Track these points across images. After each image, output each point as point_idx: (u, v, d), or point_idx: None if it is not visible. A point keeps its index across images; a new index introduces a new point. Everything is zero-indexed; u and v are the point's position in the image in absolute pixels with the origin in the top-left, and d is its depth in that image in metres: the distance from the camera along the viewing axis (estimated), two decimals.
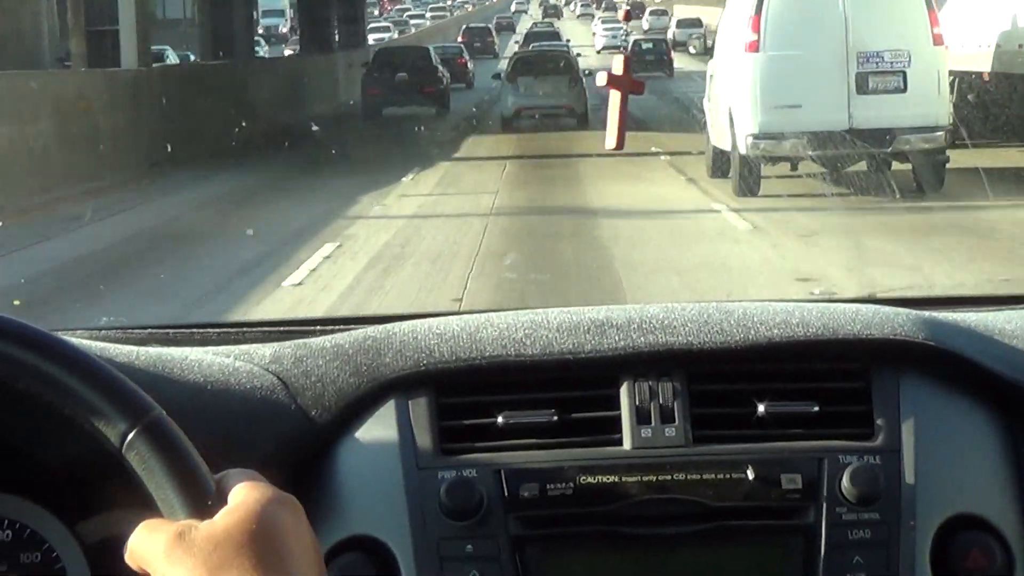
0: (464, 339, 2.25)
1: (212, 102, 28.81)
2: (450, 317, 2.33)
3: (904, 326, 2.27)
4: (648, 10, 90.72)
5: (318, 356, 2.26)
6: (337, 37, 51.35)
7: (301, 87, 39.94)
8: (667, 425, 2.20)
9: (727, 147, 20.05)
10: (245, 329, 2.68)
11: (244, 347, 2.33)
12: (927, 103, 18.45)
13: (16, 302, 10.69)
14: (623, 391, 2.22)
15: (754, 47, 18.64)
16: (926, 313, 2.37)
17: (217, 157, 26.01)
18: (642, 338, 2.24)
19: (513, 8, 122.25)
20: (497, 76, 36.33)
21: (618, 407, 2.22)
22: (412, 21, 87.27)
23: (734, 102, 19.10)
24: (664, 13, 72.52)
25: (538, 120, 32.80)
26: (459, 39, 66.45)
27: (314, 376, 2.23)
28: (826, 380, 2.26)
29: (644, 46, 51.94)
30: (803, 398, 2.22)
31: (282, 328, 2.62)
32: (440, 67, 41.70)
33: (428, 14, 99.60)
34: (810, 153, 18.54)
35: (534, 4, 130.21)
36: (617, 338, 2.24)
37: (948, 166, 18.57)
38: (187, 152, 25.32)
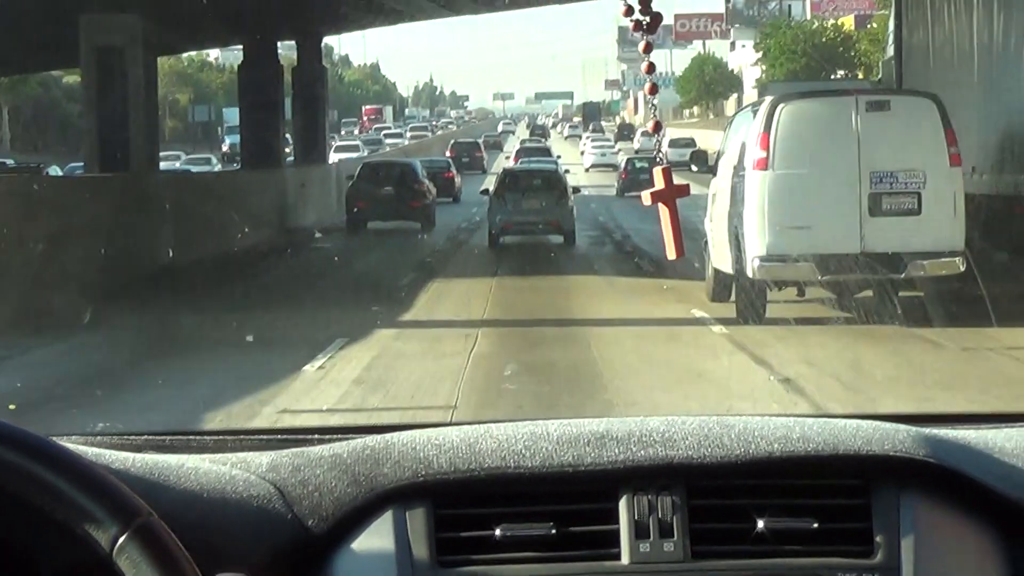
0: (463, 450, 2.26)
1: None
2: (449, 428, 2.35)
3: (904, 443, 2.29)
4: (639, 131, 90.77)
5: (316, 465, 2.28)
6: (293, 153, 49.90)
7: (227, 209, 33.76)
8: (666, 540, 2.20)
9: (729, 269, 19.15)
10: (242, 437, 2.65)
11: (241, 455, 2.34)
12: (942, 227, 17.59)
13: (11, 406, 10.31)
14: (622, 505, 2.23)
15: (763, 165, 17.80)
16: (926, 430, 2.39)
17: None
18: (642, 451, 2.25)
19: (500, 128, 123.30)
20: (485, 192, 36.05)
21: (617, 521, 2.23)
22: (388, 140, 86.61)
23: (740, 222, 18.23)
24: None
25: (525, 237, 32.55)
26: (447, 153, 66.44)
27: (311, 485, 2.24)
28: (826, 496, 2.27)
29: (638, 164, 51.41)
30: (803, 514, 2.24)
31: (280, 436, 2.62)
32: (426, 181, 41.29)
33: (408, 133, 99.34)
34: (820, 278, 17.64)
35: (521, 125, 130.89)
36: (617, 451, 2.25)
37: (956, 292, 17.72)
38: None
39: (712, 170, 20.76)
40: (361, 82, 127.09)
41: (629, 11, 2.47)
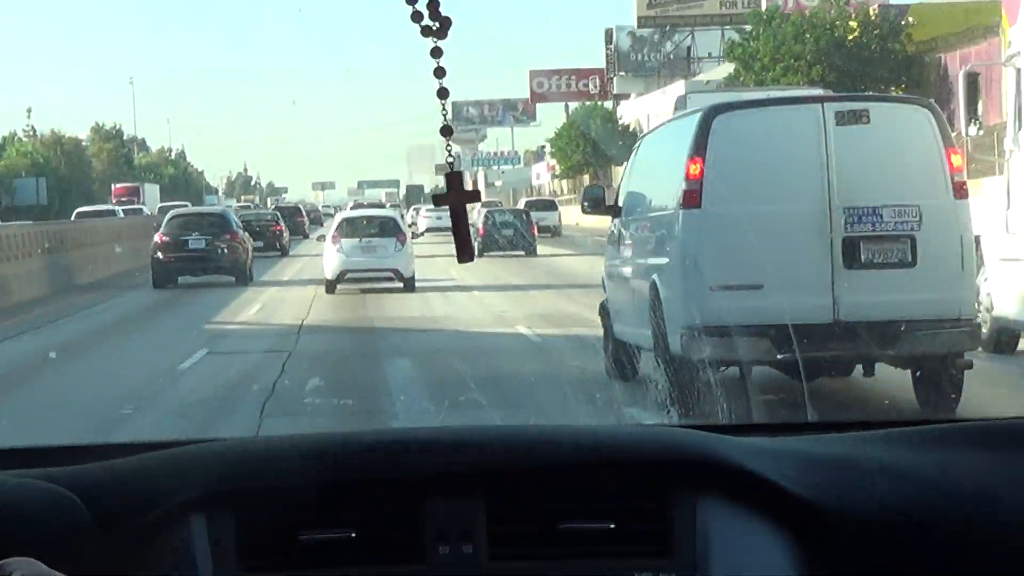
0: (266, 460, 2.36)
1: None
2: (255, 439, 2.60)
3: (697, 445, 2.41)
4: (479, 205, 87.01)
5: (119, 477, 2.33)
6: None
7: None
8: (465, 544, 2.29)
9: (640, 342, 14.04)
10: (45, 452, 2.62)
11: (45, 469, 2.37)
12: (946, 283, 12.63)
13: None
14: (422, 509, 2.31)
15: (692, 200, 12.69)
16: (725, 436, 2.49)
17: None
18: (443, 459, 2.34)
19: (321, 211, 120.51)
20: (322, 237, 34.92)
21: (418, 525, 2.31)
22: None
23: (661, 280, 13.13)
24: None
25: (362, 284, 31.99)
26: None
27: (116, 496, 2.29)
28: (623, 499, 2.36)
29: (499, 218, 45.98)
30: (600, 517, 2.33)
31: (84, 451, 2.58)
32: (241, 232, 38.14)
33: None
34: (777, 356, 12.56)
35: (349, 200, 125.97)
36: (420, 458, 2.34)
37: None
38: None
39: (610, 210, 15.67)
40: (155, 166, 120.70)
41: (418, 16, 2.44)
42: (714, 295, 12.55)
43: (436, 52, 2.52)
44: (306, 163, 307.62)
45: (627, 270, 14.58)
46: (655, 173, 14.07)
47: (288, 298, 31.89)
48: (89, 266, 38.73)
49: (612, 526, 2.29)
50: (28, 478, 2.32)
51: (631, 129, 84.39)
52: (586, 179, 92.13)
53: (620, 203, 15.24)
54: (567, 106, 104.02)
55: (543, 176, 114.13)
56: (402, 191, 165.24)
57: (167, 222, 37.73)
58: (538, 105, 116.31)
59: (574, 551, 2.28)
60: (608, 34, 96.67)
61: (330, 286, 31.97)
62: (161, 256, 36.15)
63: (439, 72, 2.58)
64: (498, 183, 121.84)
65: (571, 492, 2.33)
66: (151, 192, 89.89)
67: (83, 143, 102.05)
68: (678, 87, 74.28)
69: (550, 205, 63.65)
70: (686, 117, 13.78)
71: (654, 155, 14.43)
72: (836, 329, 12.53)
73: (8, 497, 2.23)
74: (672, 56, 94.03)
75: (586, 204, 15.68)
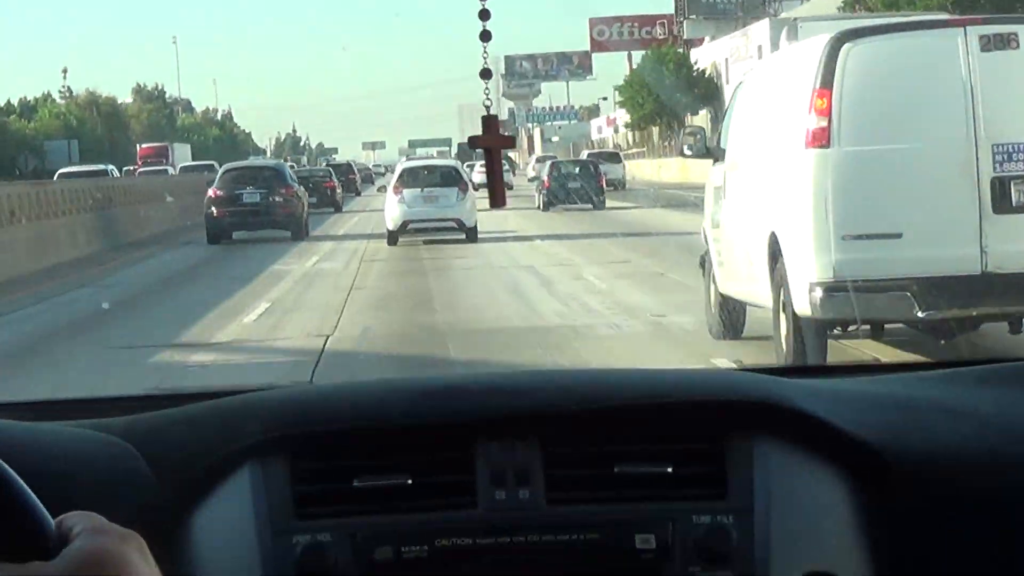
0: (320, 406, 2.37)
1: None
2: (306, 386, 2.61)
3: (755, 388, 2.40)
4: (533, 157, 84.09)
5: (172, 425, 2.33)
6: None
7: None
8: (522, 488, 2.26)
9: (755, 299, 12.68)
10: (99, 403, 2.68)
11: (97, 420, 2.37)
12: None
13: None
14: (478, 454, 2.27)
15: (821, 139, 11.26)
16: (778, 377, 2.53)
17: None
18: (497, 402, 2.33)
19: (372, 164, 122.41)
20: (383, 188, 35.45)
21: (473, 470, 2.27)
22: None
23: (782, 229, 11.72)
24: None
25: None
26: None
27: (168, 444, 2.28)
28: (680, 442, 2.32)
29: (565, 169, 44.21)
30: (657, 460, 2.29)
31: (136, 403, 2.60)
32: (296, 186, 37.10)
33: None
34: (919, 314, 11.16)
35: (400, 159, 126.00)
36: (472, 402, 2.33)
37: None
38: None
39: (711, 154, 14.25)
40: (199, 127, 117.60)
41: None
42: (846, 245, 11.14)
43: None
44: (356, 123, 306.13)
45: (736, 219, 13.16)
46: (768, 111, 12.63)
47: (348, 250, 31.17)
48: (132, 225, 37.88)
49: (669, 469, 2.29)
50: (83, 427, 2.33)
51: (707, 75, 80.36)
52: (655, 131, 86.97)
53: (724, 146, 13.84)
54: (630, 55, 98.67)
55: (605, 130, 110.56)
56: (454, 149, 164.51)
57: (220, 176, 36.93)
58: (595, 57, 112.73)
59: (631, 494, 2.28)
60: None
61: (392, 237, 31.48)
62: (215, 211, 35.25)
63: (483, 14, 2.61)
64: (555, 139, 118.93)
65: (628, 435, 2.33)
66: (182, 152, 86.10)
67: (120, 103, 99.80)
68: (761, 27, 69.78)
69: (614, 157, 61.89)
70: (804, 47, 12.32)
71: (765, 91, 12.97)
72: (984, 281, 11.10)
73: (64, 447, 2.25)
74: None
75: (685, 148, 14.24)
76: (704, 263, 14.35)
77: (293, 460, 2.26)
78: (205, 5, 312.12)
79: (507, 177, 70.08)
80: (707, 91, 77.89)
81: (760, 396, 2.36)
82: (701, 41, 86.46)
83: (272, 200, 35.01)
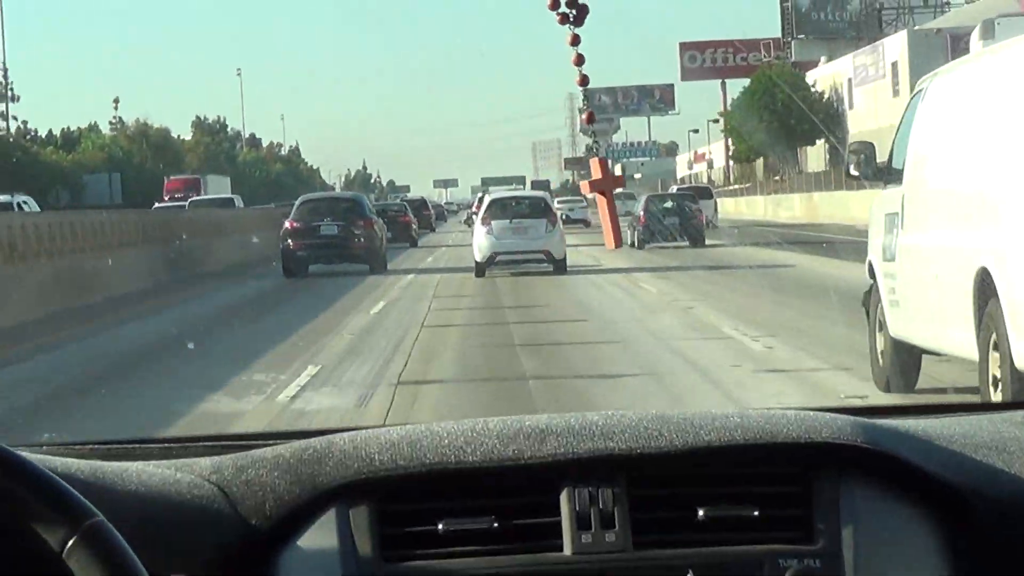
0: (404, 447, 2.30)
1: None
2: (390, 428, 2.40)
3: (843, 430, 2.32)
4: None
5: (259, 466, 2.31)
6: None
7: None
8: (607, 530, 2.24)
9: (942, 346, 10.57)
10: (185, 444, 2.65)
11: (184, 460, 2.39)
12: None
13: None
14: (563, 497, 2.26)
15: None
16: (865, 419, 2.43)
17: None
18: (582, 444, 2.28)
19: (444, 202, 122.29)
20: (469, 221, 35.76)
21: (558, 513, 2.26)
22: None
23: (998, 265, 9.52)
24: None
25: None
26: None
27: (255, 485, 2.28)
28: (767, 484, 2.30)
29: (661, 204, 42.02)
30: (744, 502, 2.27)
31: (222, 442, 2.61)
32: (375, 218, 36.32)
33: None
34: None
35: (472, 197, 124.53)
36: (557, 444, 2.28)
37: None
38: None
39: (880, 175, 12.14)
40: (262, 161, 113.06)
41: (555, 4, 1.95)
42: None
43: (575, 40, 1.69)
44: (427, 160, 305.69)
45: (923, 251, 11.02)
46: (971, 124, 10.48)
47: (427, 283, 29.77)
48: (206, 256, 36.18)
49: (756, 512, 2.25)
50: (171, 469, 2.31)
51: (825, 98, 74.66)
52: (759, 164, 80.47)
53: (900, 165, 11.72)
54: (724, 84, 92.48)
55: (695, 165, 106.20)
56: (527, 187, 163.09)
57: (297, 208, 35.83)
58: (678, 89, 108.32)
59: (717, 537, 2.24)
60: None
61: (479, 269, 30.94)
62: (291, 243, 33.73)
63: (579, 60, 1.79)
64: (637, 176, 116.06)
65: (714, 477, 2.29)
66: (218, 185, 76.94)
67: (178, 136, 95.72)
68: (896, 41, 66.00)
69: (705, 193, 59.70)
70: (1014, 49, 10.18)
71: (963, 101, 10.82)
72: None
73: (152, 488, 2.21)
74: (864, 12, 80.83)
75: (852, 167, 12.11)
76: (869, 303, 12.22)
77: (378, 502, 2.26)
78: (275, 39, 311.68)
79: (584, 214, 68.33)
80: (827, 117, 71.61)
81: (848, 438, 2.29)
82: (811, 65, 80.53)
83: (351, 232, 34.25)
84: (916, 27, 69.50)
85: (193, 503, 2.21)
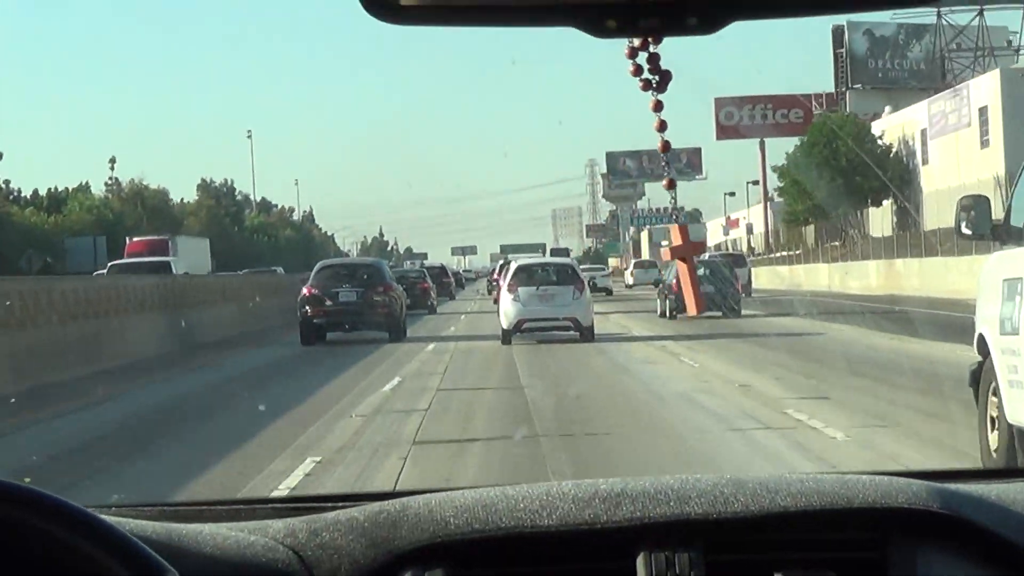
0: (479, 511, 2.27)
1: None
2: (464, 490, 2.35)
3: (920, 496, 2.28)
4: (632, 262, 75.12)
5: (332, 529, 2.29)
6: None
7: None
8: None
9: None
10: (256, 506, 2.64)
11: (256, 523, 2.36)
12: None
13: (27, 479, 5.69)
14: (639, 562, 2.22)
15: None
16: (941, 484, 2.36)
17: None
18: (657, 509, 2.25)
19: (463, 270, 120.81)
20: (491, 287, 34.91)
21: None
22: None
23: None
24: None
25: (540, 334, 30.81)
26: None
27: (329, 549, 2.26)
28: (843, 550, 2.27)
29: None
30: (820, 567, 2.23)
31: (293, 504, 2.60)
32: (395, 284, 35.60)
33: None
34: None
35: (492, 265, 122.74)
36: (632, 509, 2.25)
37: None
38: None
39: (997, 234, 10.36)
40: (271, 227, 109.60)
41: (638, 71, 2.36)
42: None
43: (657, 106, 2.52)
44: (445, 228, 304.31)
45: None
46: None
47: (453, 352, 28.59)
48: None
49: None
50: (243, 532, 2.28)
51: (893, 152, 66.99)
52: (810, 230, 71.39)
53: (1021, 223, 9.97)
54: (763, 143, 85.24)
55: (733, 230, 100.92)
56: (547, 255, 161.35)
57: (315, 273, 34.66)
58: (704, 153, 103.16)
59: None
60: (837, 35, 76.13)
61: (505, 336, 30.57)
62: (309, 310, 32.92)
63: (661, 126, 2.69)
64: (665, 243, 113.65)
65: (789, 542, 2.25)
66: (192, 248, 67.44)
67: (181, 200, 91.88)
68: (986, 82, 58.11)
69: (740, 260, 57.93)
70: None
71: None
72: None
73: (227, 552, 2.18)
74: (925, 60, 72.34)
75: (963, 225, 10.29)
76: (979, 382, 10.39)
77: (453, 567, 2.21)
78: (289, 103, 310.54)
79: (607, 282, 66.75)
80: (896, 173, 64.88)
81: (924, 503, 2.25)
82: (869, 119, 72.81)
83: (370, 299, 33.10)
84: (1013, 66, 61.41)
85: (269, 566, 2.19)
